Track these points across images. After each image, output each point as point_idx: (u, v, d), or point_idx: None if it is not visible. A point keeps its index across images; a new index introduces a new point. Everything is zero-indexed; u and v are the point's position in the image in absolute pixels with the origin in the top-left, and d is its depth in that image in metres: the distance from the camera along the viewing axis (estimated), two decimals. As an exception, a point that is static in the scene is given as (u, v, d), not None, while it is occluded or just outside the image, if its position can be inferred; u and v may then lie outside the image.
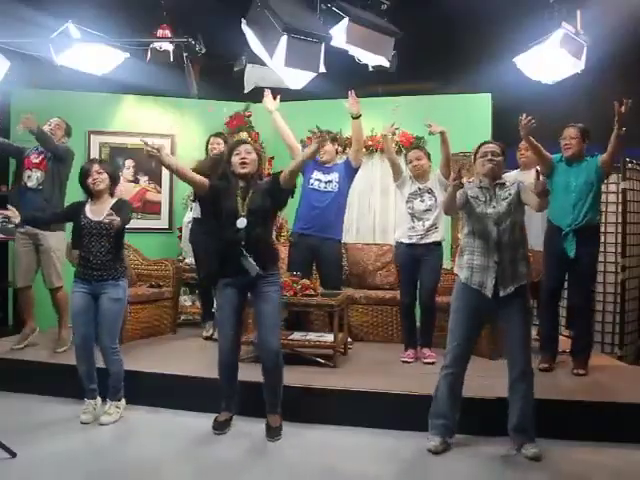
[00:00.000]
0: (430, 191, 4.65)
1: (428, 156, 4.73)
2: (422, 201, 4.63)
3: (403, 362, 4.59)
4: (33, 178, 4.84)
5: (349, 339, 5.03)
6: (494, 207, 3.43)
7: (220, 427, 3.68)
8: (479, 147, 3.59)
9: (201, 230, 5.19)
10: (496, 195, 3.46)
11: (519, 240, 3.43)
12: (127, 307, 4.14)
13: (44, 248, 4.80)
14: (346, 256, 5.75)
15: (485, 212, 3.43)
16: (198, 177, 3.59)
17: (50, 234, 4.76)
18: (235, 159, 3.55)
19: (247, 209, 3.50)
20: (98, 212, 3.86)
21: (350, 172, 5.02)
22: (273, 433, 3.60)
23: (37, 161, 4.87)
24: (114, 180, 4.01)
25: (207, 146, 5.30)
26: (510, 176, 4.55)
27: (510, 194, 3.44)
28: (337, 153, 5.18)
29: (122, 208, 3.89)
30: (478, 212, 3.45)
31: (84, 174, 3.93)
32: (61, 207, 4.71)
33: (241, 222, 3.49)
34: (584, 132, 4.31)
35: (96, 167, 3.92)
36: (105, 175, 3.92)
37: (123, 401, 3.97)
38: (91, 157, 6.22)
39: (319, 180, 4.99)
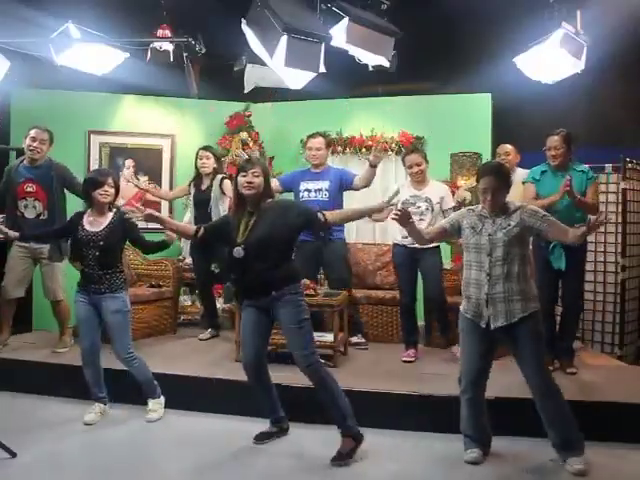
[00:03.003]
0: (428, 200, 4.58)
1: (425, 158, 4.67)
2: (417, 209, 4.55)
3: (404, 362, 4.58)
4: (30, 208, 4.69)
5: (363, 339, 5.06)
6: (489, 236, 3.26)
7: (258, 438, 3.61)
8: (479, 177, 3.35)
9: (201, 245, 5.18)
10: (495, 224, 3.28)
11: (516, 274, 3.23)
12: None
13: (47, 261, 4.72)
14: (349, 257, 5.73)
15: (479, 242, 3.29)
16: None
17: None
18: (241, 180, 3.46)
19: (246, 239, 3.40)
20: (97, 224, 3.87)
21: (346, 186, 4.98)
22: (338, 458, 3.34)
23: (32, 190, 4.69)
24: (117, 194, 3.99)
25: (196, 159, 5.28)
26: None
27: (510, 224, 3.25)
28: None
29: (128, 225, 3.91)
30: (472, 242, 3.31)
31: (95, 185, 3.86)
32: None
33: (237, 252, 3.38)
34: (568, 138, 4.24)
35: (110, 181, 3.88)
36: (113, 190, 3.90)
37: (162, 398, 3.99)
38: (90, 158, 6.24)
39: (308, 190, 4.96)
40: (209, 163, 5.21)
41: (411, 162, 4.62)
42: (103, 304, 3.83)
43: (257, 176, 3.45)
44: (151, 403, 3.96)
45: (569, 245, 4.18)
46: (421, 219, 4.55)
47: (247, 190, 3.44)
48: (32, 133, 4.70)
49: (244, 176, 3.45)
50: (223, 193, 5.16)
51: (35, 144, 4.68)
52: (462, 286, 3.42)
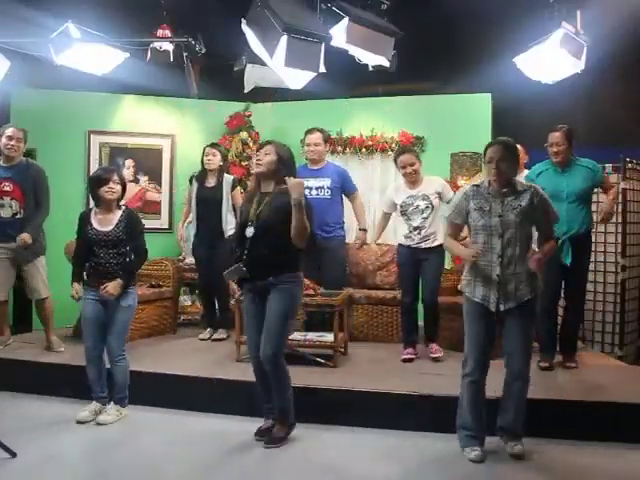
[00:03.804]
0: (425, 197, 4.57)
1: (419, 159, 4.65)
2: (416, 209, 4.57)
3: (404, 361, 4.58)
4: (6, 207, 4.65)
5: None
6: (500, 217, 3.25)
7: (259, 434, 3.61)
8: (486, 148, 3.38)
9: (203, 246, 5.26)
10: (504, 204, 3.26)
11: (524, 255, 3.27)
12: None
13: (31, 263, 4.68)
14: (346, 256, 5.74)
15: (489, 224, 3.27)
16: None
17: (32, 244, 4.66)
18: (254, 159, 3.55)
19: (256, 218, 3.47)
20: (106, 222, 3.87)
21: (344, 192, 5.05)
22: (268, 439, 3.52)
23: (9, 189, 4.65)
24: (124, 193, 3.97)
25: (202, 156, 5.31)
26: None
27: (521, 205, 3.24)
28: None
29: (133, 226, 3.89)
30: (481, 224, 3.29)
31: (100, 182, 3.85)
32: (42, 232, 4.74)
33: (249, 231, 3.47)
34: (570, 134, 4.28)
35: (115, 177, 3.86)
36: (119, 187, 3.89)
37: (126, 409, 3.95)
38: (90, 158, 6.23)
39: (309, 188, 4.95)
40: (215, 160, 5.24)
41: (404, 163, 4.59)
42: (115, 299, 3.82)
43: (267, 154, 3.51)
44: (112, 405, 3.91)
45: (576, 241, 4.20)
46: (423, 217, 4.55)
47: (256, 168, 3.53)
48: (8, 132, 4.68)
49: (257, 155, 3.55)
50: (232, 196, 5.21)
51: (12, 142, 4.65)
52: (467, 268, 3.41)
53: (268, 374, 3.48)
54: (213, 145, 5.41)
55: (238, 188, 5.28)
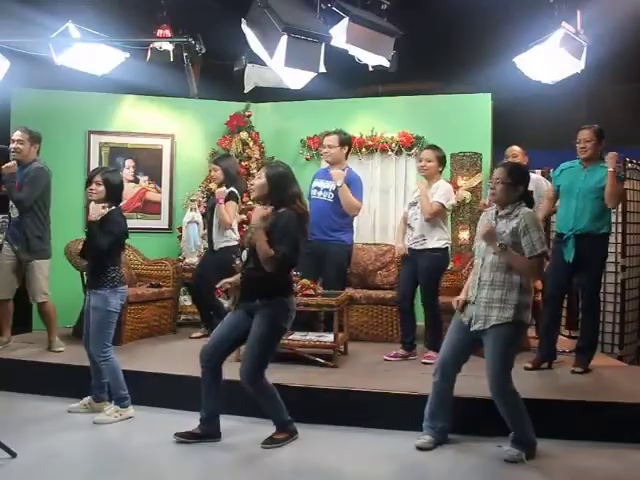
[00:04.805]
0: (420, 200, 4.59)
1: (440, 160, 4.61)
2: (416, 208, 4.60)
3: (385, 360, 4.62)
4: (14, 208, 4.68)
5: None
6: (483, 240, 3.34)
7: (182, 435, 3.57)
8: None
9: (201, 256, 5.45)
10: (496, 229, 3.29)
11: (501, 281, 3.24)
12: (116, 312, 3.90)
13: (29, 265, 4.70)
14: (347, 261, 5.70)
15: (479, 245, 3.37)
16: None
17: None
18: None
19: (248, 242, 3.47)
20: None
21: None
22: (267, 440, 3.50)
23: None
24: (111, 194, 3.85)
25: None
26: None
27: (505, 232, 3.25)
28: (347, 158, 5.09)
29: (102, 227, 3.78)
30: (476, 245, 3.42)
31: (87, 181, 3.92)
32: (45, 236, 4.70)
33: (243, 255, 3.50)
34: (599, 133, 4.29)
35: (97, 178, 3.83)
36: (102, 188, 3.81)
37: (130, 410, 3.90)
38: (90, 158, 6.24)
39: (317, 188, 4.96)
40: (217, 175, 5.24)
41: (422, 156, 4.67)
42: (88, 298, 3.87)
43: (259, 178, 3.50)
44: (109, 406, 3.90)
45: (583, 239, 4.18)
46: (415, 218, 4.61)
47: (252, 193, 3.51)
48: (13, 136, 4.72)
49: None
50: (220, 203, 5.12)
51: (13, 145, 4.67)
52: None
53: (252, 395, 3.47)
54: (215, 161, 5.39)
55: (229, 202, 5.07)
